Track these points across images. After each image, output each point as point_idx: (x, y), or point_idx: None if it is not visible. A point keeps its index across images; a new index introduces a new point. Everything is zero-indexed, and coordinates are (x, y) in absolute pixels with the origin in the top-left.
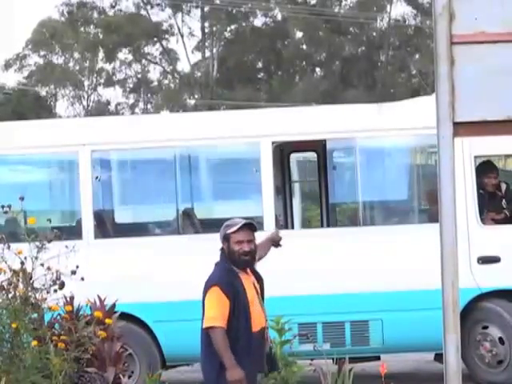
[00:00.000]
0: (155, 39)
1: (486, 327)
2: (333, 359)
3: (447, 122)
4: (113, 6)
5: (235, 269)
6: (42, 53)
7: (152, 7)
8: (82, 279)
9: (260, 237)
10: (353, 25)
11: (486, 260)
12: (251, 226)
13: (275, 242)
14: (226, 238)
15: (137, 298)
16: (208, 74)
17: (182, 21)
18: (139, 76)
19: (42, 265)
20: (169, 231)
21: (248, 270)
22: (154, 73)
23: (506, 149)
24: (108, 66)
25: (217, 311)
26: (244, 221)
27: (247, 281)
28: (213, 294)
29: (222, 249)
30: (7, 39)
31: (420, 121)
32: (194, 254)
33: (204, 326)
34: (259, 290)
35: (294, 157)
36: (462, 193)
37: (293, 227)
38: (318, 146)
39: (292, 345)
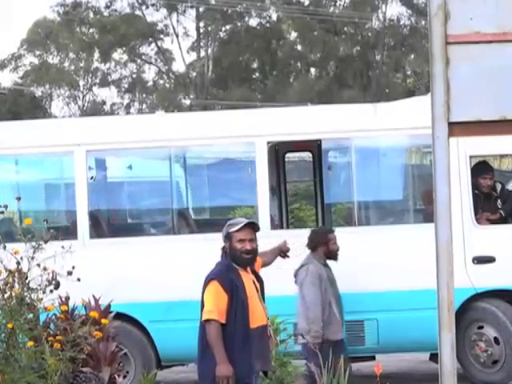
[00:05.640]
0: (150, 39)
1: (481, 327)
2: None
3: (442, 121)
4: (108, 7)
5: (235, 266)
6: (37, 53)
7: (147, 7)
8: (78, 280)
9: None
10: (347, 25)
11: (481, 260)
12: (254, 225)
13: (283, 252)
14: (228, 237)
15: (132, 297)
16: (203, 73)
17: (177, 21)
18: (134, 76)
19: (38, 265)
20: (164, 231)
21: (248, 269)
22: (149, 73)
23: (502, 149)
24: (103, 66)
25: (213, 305)
26: (246, 220)
27: (247, 278)
28: (211, 287)
29: (224, 247)
30: (2, 39)
31: (415, 121)
32: (189, 254)
33: (202, 319)
34: (259, 290)
35: (290, 157)
36: (457, 193)
37: (288, 227)
38: (313, 146)
39: (287, 345)
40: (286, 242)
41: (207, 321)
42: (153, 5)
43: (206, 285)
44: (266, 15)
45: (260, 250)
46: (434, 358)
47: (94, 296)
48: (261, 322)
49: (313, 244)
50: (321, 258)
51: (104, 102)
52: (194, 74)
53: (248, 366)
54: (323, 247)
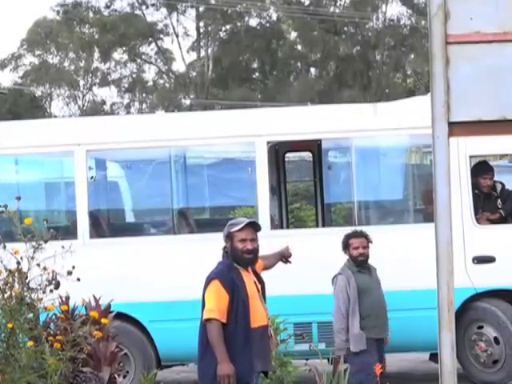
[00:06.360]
0: (150, 39)
1: (481, 327)
2: (328, 359)
3: (442, 121)
4: (108, 6)
5: (236, 265)
6: (37, 52)
7: (147, 7)
8: (78, 280)
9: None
10: (348, 25)
11: (481, 260)
12: (255, 225)
13: (284, 257)
14: (229, 237)
15: (132, 297)
16: (203, 73)
17: (177, 21)
18: (134, 76)
19: (38, 265)
20: (164, 231)
21: (249, 270)
22: (149, 73)
23: (502, 149)
24: (103, 66)
25: (214, 304)
26: (248, 220)
27: (248, 278)
28: (212, 287)
29: (225, 247)
30: (2, 39)
31: (415, 121)
32: (188, 253)
33: (203, 318)
34: (260, 290)
35: (290, 157)
36: (457, 193)
37: (288, 227)
38: (313, 146)
39: (287, 344)
40: (288, 247)
41: (208, 320)
42: (153, 4)
43: (207, 284)
44: (266, 15)
45: (261, 252)
46: (434, 357)
47: (94, 296)
48: (261, 322)
49: (342, 248)
50: (351, 265)
51: (104, 102)
52: (194, 73)
53: (249, 366)
54: (347, 252)
